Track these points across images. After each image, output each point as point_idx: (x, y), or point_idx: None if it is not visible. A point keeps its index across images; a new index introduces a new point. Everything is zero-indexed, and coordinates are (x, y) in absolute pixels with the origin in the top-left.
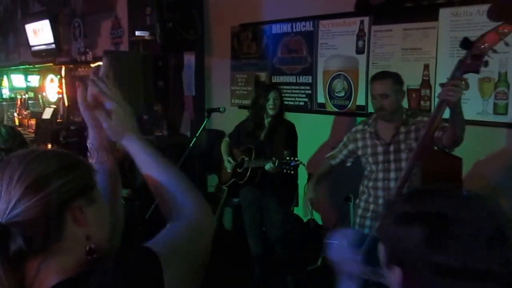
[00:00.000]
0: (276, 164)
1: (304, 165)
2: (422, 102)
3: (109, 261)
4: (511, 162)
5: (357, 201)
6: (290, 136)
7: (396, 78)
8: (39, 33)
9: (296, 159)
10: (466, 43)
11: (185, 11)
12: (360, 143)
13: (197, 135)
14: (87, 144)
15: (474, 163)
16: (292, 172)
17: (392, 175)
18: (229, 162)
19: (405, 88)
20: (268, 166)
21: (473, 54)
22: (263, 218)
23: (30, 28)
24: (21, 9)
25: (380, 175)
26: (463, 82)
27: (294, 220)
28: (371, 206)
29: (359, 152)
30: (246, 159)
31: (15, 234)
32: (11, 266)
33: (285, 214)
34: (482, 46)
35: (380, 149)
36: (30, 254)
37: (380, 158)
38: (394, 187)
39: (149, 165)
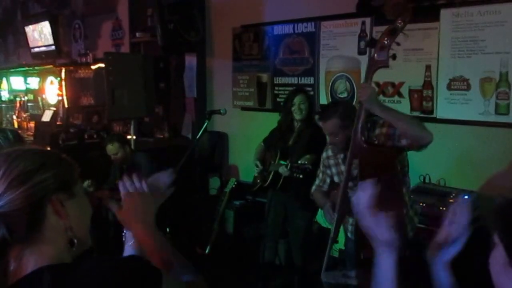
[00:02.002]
0: (288, 168)
1: (310, 168)
2: (424, 103)
3: (107, 258)
4: None
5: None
6: (315, 140)
7: (341, 115)
8: (39, 35)
9: (305, 162)
10: (372, 42)
11: (186, 12)
12: (334, 170)
13: (198, 137)
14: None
15: (476, 163)
16: (300, 176)
17: None
18: (257, 166)
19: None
20: (282, 170)
21: (379, 50)
22: (286, 224)
23: (30, 29)
24: (21, 11)
25: None
26: (372, 84)
27: None
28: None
29: (335, 179)
30: (272, 162)
31: (1, 224)
32: None
33: (309, 221)
34: (386, 42)
35: (355, 172)
36: (13, 243)
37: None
38: None
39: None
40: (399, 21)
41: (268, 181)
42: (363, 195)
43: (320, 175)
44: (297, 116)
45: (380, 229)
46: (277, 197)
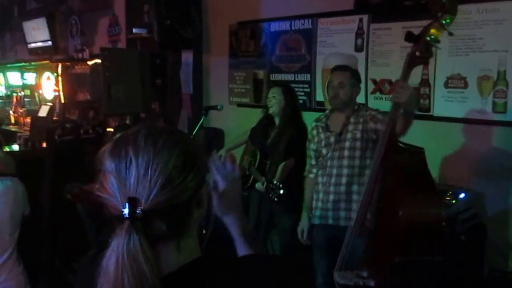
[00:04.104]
0: (264, 186)
1: (285, 192)
2: (421, 101)
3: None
4: (509, 161)
5: (315, 196)
6: (294, 143)
7: (354, 73)
8: (36, 31)
9: (280, 185)
10: (411, 37)
11: (183, 9)
12: (316, 139)
13: (194, 133)
14: None
15: (473, 161)
16: (276, 199)
17: (345, 162)
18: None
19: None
20: (258, 186)
21: (421, 47)
22: (271, 224)
23: (26, 25)
24: (18, 7)
25: (335, 162)
26: (408, 84)
27: None
28: (330, 197)
29: (315, 147)
30: (252, 163)
31: (157, 219)
32: (152, 248)
33: (295, 221)
34: (428, 38)
35: (332, 139)
36: (168, 237)
37: (333, 147)
38: (346, 174)
39: (242, 249)
40: (445, 18)
41: (249, 183)
42: None
43: (308, 154)
44: (269, 109)
45: None
46: (259, 196)
